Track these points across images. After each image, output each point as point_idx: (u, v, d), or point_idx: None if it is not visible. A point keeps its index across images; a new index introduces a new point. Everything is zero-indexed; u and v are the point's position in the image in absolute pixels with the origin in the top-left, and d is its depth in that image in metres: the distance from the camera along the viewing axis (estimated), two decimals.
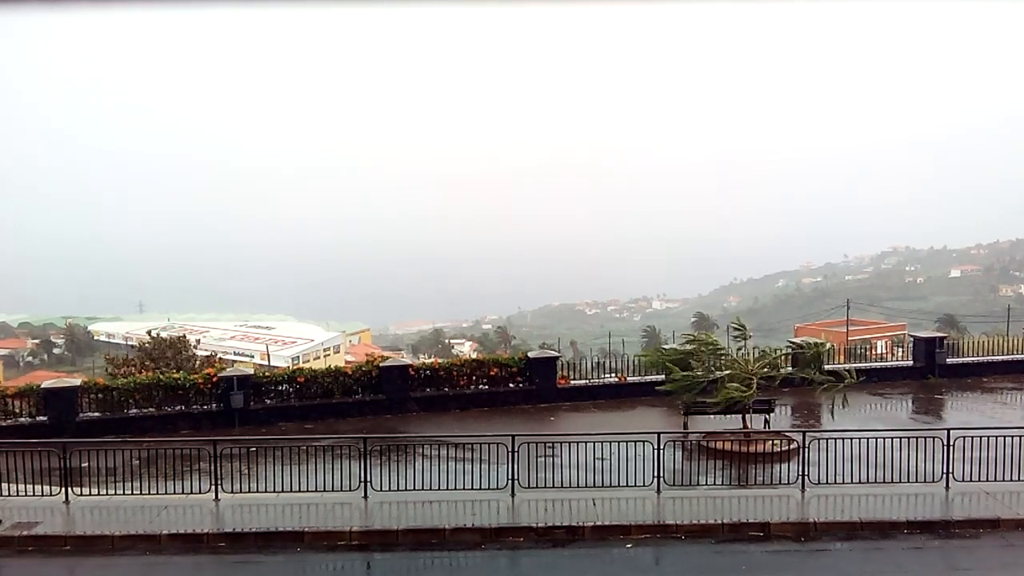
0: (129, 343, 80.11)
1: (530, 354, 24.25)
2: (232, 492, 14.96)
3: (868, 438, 15.24)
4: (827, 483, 14.67)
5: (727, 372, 17.86)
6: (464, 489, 14.74)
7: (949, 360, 25.52)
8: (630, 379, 23.82)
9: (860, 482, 14.65)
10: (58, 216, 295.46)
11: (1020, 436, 14.81)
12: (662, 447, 14.75)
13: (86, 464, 15.60)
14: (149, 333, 35.06)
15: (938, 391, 23.89)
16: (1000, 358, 26.11)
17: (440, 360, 25.26)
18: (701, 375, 18.11)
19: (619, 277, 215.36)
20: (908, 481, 14.66)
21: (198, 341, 36.91)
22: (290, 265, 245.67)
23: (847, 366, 21.35)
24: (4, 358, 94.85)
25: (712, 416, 18.38)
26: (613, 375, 24.30)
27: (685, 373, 18.13)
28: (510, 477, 14.69)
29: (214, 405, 21.27)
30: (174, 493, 14.86)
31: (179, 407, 21.15)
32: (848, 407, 17.91)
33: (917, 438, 15.27)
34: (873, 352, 29.03)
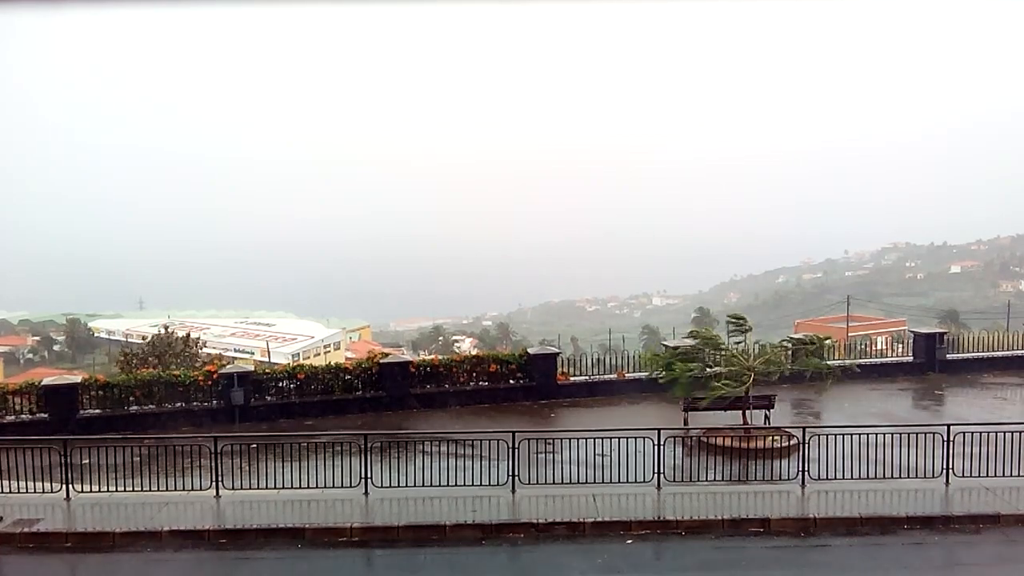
0: (129, 340, 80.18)
1: (530, 350, 24.23)
2: (233, 488, 14.99)
3: (868, 434, 15.24)
4: (827, 479, 14.69)
5: (722, 368, 17.88)
6: (464, 485, 14.75)
7: (949, 356, 25.53)
8: (629, 375, 23.83)
9: (860, 478, 14.65)
10: (58, 214, 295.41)
11: (1020, 432, 14.82)
12: (662, 443, 14.76)
13: (87, 461, 15.61)
14: (166, 328, 35.29)
15: (938, 387, 23.89)
16: (1000, 354, 26.09)
17: (440, 357, 25.25)
18: (696, 369, 18.18)
19: (619, 274, 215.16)
20: (908, 477, 14.68)
21: (199, 338, 36.99)
22: (290, 262, 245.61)
23: (844, 362, 21.46)
24: (4, 355, 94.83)
25: (712, 412, 18.39)
26: (613, 373, 24.28)
27: (679, 367, 18.18)
28: (510, 473, 14.71)
29: (215, 402, 21.28)
30: (175, 490, 14.88)
31: (180, 404, 21.15)
32: (830, 388, 18.22)
33: (917, 434, 15.28)
34: (873, 348, 28.95)
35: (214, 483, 14.85)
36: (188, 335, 35.80)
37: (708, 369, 18.96)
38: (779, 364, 18.28)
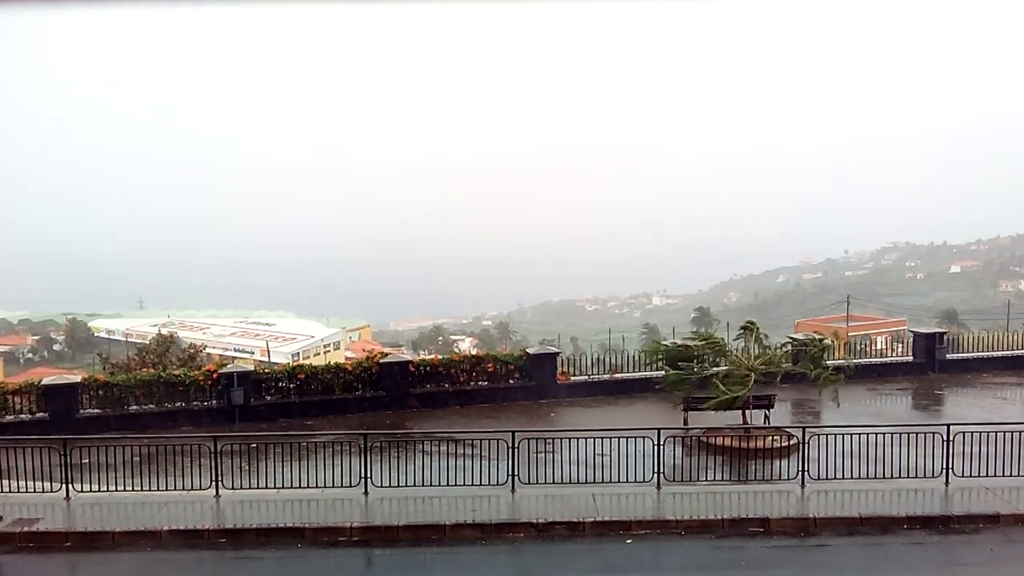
0: (129, 340, 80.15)
1: (530, 350, 24.24)
2: (233, 488, 14.98)
3: (868, 434, 15.24)
4: (827, 479, 14.68)
5: (723, 369, 17.85)
6: (464, 485, 14.75)
7: (949, 356, 25.52)
8: (630, 375, 23.84)
9: (860, 478, 14.65)
10: (58, 214, 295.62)
11: (1020, 432, 14.82)
12: (662, 443, 14.76)
13: (87, 460, 15.61)
14: (159, 333, 35.03)
15: (938, 387, 23.89)
16: (1000, 354, 26.11)
17: (440, 356, 25.25)
18: (695, 369, 18.16)
19: (619, 274, 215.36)
20: (908, 477, 14.66)
21: (202, 343, 36.80)
22: (290, 262, 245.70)
23: (846, 361, 21.41)
24: (4, 355, 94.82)
25: (712, 412, 18.40)
26: (609, 372, 24.27)
27: (677, 371, 18.14)
28: (510, 473, 14.71)
29: (215, 401, 21.28)
30: (175, 489, 14.88)
31: (179, 403, 21.15)
32: (840, 399, 17.92)
33: (917, 434, 15.27)
34: (873, 348, 28.97)
35: (214, 483, 14.85)
36: (191, 345, 35.64)
37: (706, 369, 18.94)
38: (778, 365, 18.27)
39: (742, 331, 18.75)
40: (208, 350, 35.51)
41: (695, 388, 18.61)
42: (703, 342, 19.15)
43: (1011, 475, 14.44)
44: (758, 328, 18.73)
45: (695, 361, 18.83)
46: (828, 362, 19.85)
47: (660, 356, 19.43)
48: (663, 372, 19.19)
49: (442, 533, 13.29)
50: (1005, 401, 22.52)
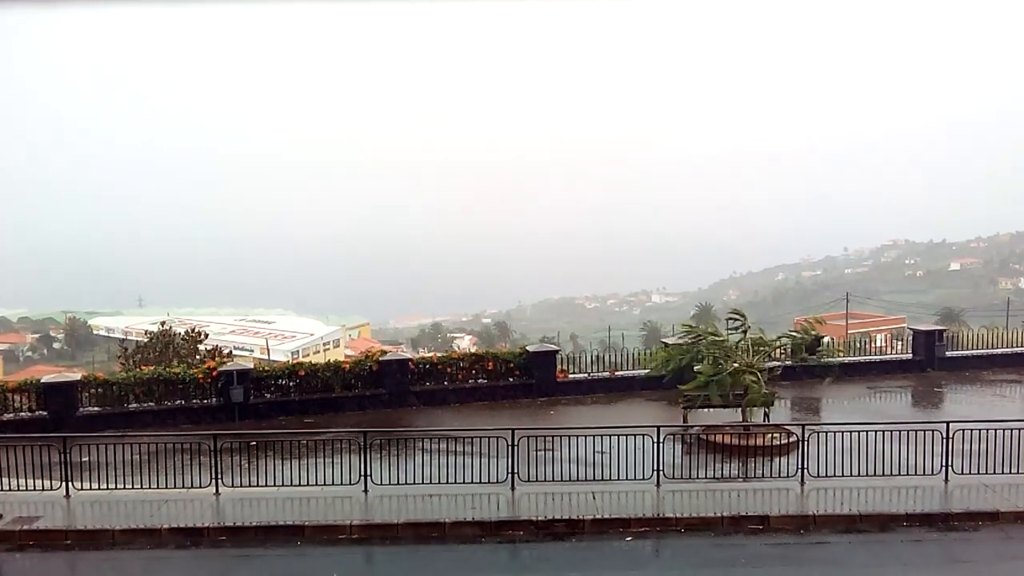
0: (128, 337, 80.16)
1: (529, 348, 24.26)
2: (232, 486, 14.98)
3: (867, 431, 15.22)
4: (826, 476, 14.69)
5: (735, 366, 17.75)
6: (464, 483, 14.75)
7: (948, 353, 25.53)
8: (628, 372, 23.83)
9: (859, 475, 14.66)
10: (57, 210, 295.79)
11: (1019, 429, 14.83)
12: (662, 440, 14.77)
13: (86, 458, 15.61)
14: (162, 324, 35.27)
15: (937, 384, 23.90)
16: (999, 351, 26.13)
17: (439, 354, 25.25)
18: (714, 372, 17.99)
19: (618, 271, 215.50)
20: (907, 474, 14.68)
21: (205, 334, 36.93)
22: (290, 260, 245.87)
23: (840, 360, 21.42)
24: (4, 353, 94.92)
25: (711, 409, 18.39)
26: (608, 370, 24.26)
27: (709, 376, 17.91)
28: (510, 471, 14.71)
29: (214, 399, 21.29)
30: (174, 487, 14.87)
31: (179, 401, 21.16)
32: (835, 382, 17.74)
33: (916, 431, 15.27)
34: (872, 345, 28.99)
35: (214, 480, 14.86)
36: (193, 329, 35.89)
37: (722, 370, 18.78)
38: (771, 356, 18.18)
39: (731, 320, 18.62)
40: (206, 345, 35.59)
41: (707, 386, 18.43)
42: (710, 342, 18.93)
43: (1010, 472, 14.46)
44: (745, 319, 18.60)
45: (707, 367, 18.71)
46: (826, 359, 19.85)
47: (670, 366, 18.99)
48: (666, 370, 19.00)
49: (442, 531, 13.29)
50: (1004, 398, 22.54)
